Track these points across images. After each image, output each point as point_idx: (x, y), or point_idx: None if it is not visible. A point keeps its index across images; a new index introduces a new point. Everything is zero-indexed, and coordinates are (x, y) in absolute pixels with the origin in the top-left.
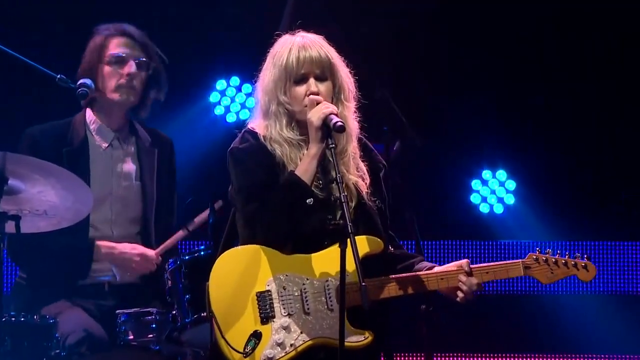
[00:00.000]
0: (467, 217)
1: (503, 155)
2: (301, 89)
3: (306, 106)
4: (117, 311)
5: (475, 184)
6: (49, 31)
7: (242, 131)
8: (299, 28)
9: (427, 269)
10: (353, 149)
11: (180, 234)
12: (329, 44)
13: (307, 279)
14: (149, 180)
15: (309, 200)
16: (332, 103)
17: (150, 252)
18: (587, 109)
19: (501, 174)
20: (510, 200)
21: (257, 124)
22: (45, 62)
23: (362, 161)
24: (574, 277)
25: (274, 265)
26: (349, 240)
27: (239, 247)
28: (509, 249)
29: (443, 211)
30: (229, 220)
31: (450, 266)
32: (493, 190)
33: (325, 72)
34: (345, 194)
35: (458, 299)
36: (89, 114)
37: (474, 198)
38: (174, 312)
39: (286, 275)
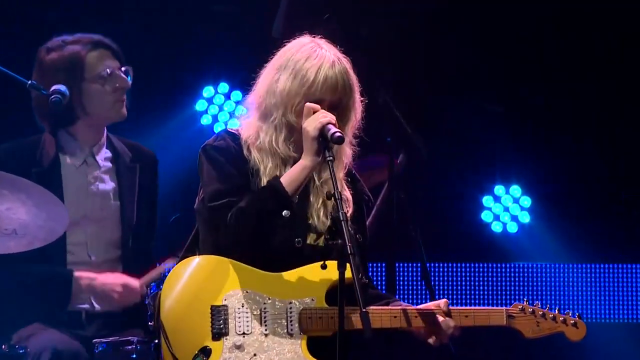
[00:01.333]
0: (478, 237)
1: (517, 168)
2: None
3: None
4: (95, 340)
5: (487, 200)
6: (15, 34)
7: (221, 130)
8: (299, 29)
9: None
10: (342, 174)
11: (169, 261)
12: (353, 69)
13: (269, 299)
14: (128, 200)
15: (286, 213)
16: None
17: (135, 283)
18: (616, 118)
19: (515, 189)
20: (526, 218)
21: (244, 123)
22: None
23: (347, 189)
24: (561, 334)
25: (235, 279)
26: (347, 264)
27: (199, 256)
28: (523, 273)
29: (451, 230)
30: (195, 228)
31: (428, 305)
32: (506, 208)
33: (342, 101)
34: (345, 211)
35: (431, 340)
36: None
37: (486, 216)
38: (157, 340)
39: (247, 292)
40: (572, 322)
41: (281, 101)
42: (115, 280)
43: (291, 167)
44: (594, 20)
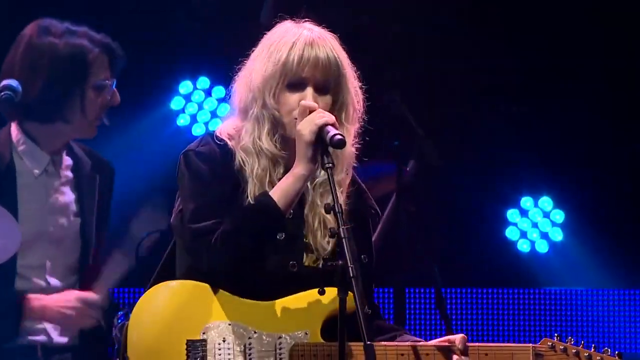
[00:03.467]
0: (501, 258)
1: (548, 177)
2: (293, 97)
3: (296, 119)
4: None
5: (512, 214)
6: None
7: (204, 134)
8: (293, 17)
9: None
10: (343, 182)
11: (120, 259)
12: (341, 46)
13: (255, 332)
14: (89, 216)
15: (280, 235)
16: None
17: (92, 295)
18: None
19: (546, 201)
20: (558, 236)
21: (227, 125)
22: None
23: (349, 202)
24: None
25: (217, 308)
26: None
27: (175, 282)
28: (555, 300)
29: (470, 250)
30: (169, 248)
31: (442, 340)
32: (535, 223)
33: (329, 82)
34: (347, 227)
35: None
36: (15, 131)
37: (511, 233)
38: None
39: (229, 324)
40: None
41: (258, 91)
42: (68, 297)
43: (283, 168)
44: (636, 20)
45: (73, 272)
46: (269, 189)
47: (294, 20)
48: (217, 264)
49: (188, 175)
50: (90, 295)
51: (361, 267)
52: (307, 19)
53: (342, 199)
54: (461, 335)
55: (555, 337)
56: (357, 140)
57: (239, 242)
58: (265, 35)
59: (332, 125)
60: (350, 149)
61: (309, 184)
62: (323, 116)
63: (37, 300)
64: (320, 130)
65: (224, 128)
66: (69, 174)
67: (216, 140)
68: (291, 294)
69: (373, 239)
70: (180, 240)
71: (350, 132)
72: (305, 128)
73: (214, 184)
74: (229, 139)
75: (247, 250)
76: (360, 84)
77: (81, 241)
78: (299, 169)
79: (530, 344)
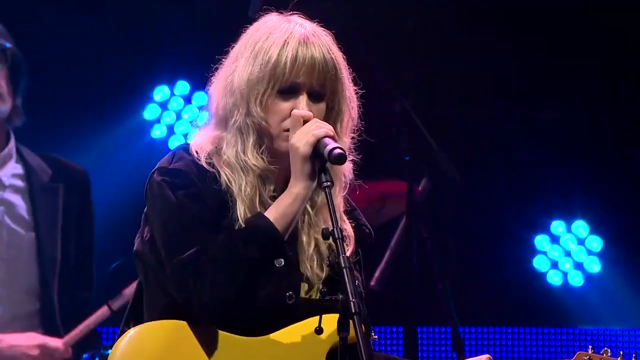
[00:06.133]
0: (529, 292)
1: (583, 198)
2: (285, 105)
3: (286, 130)
4: None
5: (541, 241)
6: None
7: (175, 148)
8: (289, 9)
9: None
10: (340, 200)
11: (101, 313)
12: (337, 45)
13: None
14: (47, 231)
15: (279, 262)
16: None
17: (55, 343)
18: None
19: (580, 226)
20: (595, 266)
21: (203, 137)
22: None
23: (348, 220)
24: None
25: (207, 349)
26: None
27: (155, 322)
28: (591, 341)
29: (492, 283)
30: (137, 285)
31: None
32: (568, 252)
33: (325, 88)
34: (347, 255)
35: None
36: None
37: (539, 263)
38: None
39: None
40: None
41: (241, 96)
42: (28, 341)
43: (274, 185)
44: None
45: (30, 300)
46: (260, 210)
47: (280, 13)
48: (211, 298)
49: (160, 197)
50: (54, 342)
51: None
52: (294, 12)
53: (345, 222)
54: (487, 356)
55: (589, 349)
56: (353, 153)
57: (233, 272)
58: (246, 31)
59: (332, 137)
60: (347, 164)
61: (307, 205)
62: (321, 127)
63: None
64: (318, 143)
65: (200, 140)
66: (18, 182)
67: (193, 155)
68: (282, 328)
69: (379, 269)
70: (152, 273)
71: (346, 144)
72: (301, 140)
73: (192, 206)
74: (208, 153)
75: (242, 280)
76: (356, 87)
77: (37, 262)
78: (297, 187)
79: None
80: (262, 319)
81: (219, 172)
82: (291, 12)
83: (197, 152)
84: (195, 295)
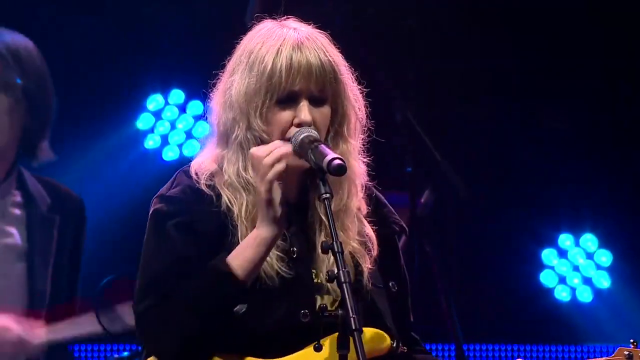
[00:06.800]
0: (536, 308)
1: (592, 211)
2: (285, 115)
3: (289, 140)
4: None
5: (548, 255)
6: None
7: (177, 171)
8: (281, 11)
9: None
10: (357, 203)
11: (90, 326)
12: (334, 45)
13: None
14: (40, 264)
15: (240, 307)
16: (329, 137)
17: (17, 329)
18: None
19: (589, 240)
20: (604, 281)
21: (205, 157)
22: None
23: (369, 222)
24: None
25: None
26: (351, 339)
27: None
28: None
29: (498, 299)
30: None
31: None
32: (576, 267)
33: (325, 92)
34: (347, 270)
35: None
36: None
37: (546, 278)
38: None
39: None
40: None
41: (240, 110)
42: (5, 321)
43: (280, 202)
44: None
45: None
46: None
47: (274, 18)
48: (161, 349)
49: (147, 232)
50: (17, 327)
51: (389, 297)
52: (289, 16)
53: (351, 231)
54: None
55: (631, 345)
56: (365, 155)
57: (186, 321)
58: (242, 40)
59: (325, 143)
60: (360, 167)
61: (322, 215)
62: (271, 164)
63: None
64: (315, 153)
65: (201, 161)
66: (17, 211)
67: (192, 178)
68: (303, 347)
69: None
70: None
71: (355, 147)
72: (259, 186)
73: (178, 239)
74: (210, 174)
75: (196, 330)
76: (360, 86)
77: (28, 295)
78: (262, 231)
79: (605, 358)
80: (274, 342)
81: (219, 194)
82: (285, 17)
83: (197, 173)
84: (149, 344)
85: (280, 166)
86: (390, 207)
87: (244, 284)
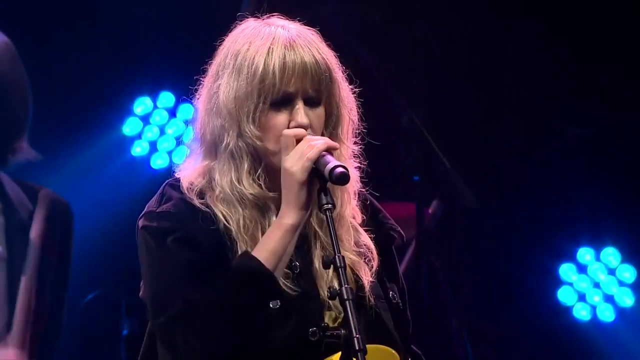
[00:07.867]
0: (554, 327)
1: (613, 223)
2: (280, 118)
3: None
4: None
5: (567, 271)
6: None
7: (163, 185)
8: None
9: None
10: (352, 212)
11: None
12: (326, 44)
13: None
14: (21, 272)
15: (274, 303)
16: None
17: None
18: None
19: (611, 254)
20: (627, 299)
21: (191, 169)
22: None
23: (366, 232)
24: None
25: None
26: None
27: None
28: None
29: (512, 318)
30: (146, 333)
31: None
32: (597, 283)
33: (320, 92)
34: (349, 286)
35: None
36: None
37: (565, 295)
38: None
39: None
40: None
41: (230, 117)
42: None
43: (274, 214)
44: None
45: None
46: None
47: (257, 17)
48: (203, 356)
49: (145, 250)
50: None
51: (391, 308)
52: (272, 14)
53: (347, 243)
54: None
55: None
56: (359, 159)
57: (224, 325)
58: (224, 42)
59: (331, 153)
60: (353, 173)
61: (316, 227)
62: (315, 145)
63: None
64: (317, 162)
65: (188, 174)
66: None
67: (184, 193)
68: None
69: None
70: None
71: (349, 150)
72: (296, 164)
73: (182, 252)
74: (200, 189)
75: (232, 331)
76: (351, 86)
77: (8, 305)
78: (289, 218)
79: None
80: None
81: (214, 212)
82: (269, 15)
83: (187, 189)
84: (186, 354)
85: (323, 146)
86: (385, 212)
87: (274, 276)
